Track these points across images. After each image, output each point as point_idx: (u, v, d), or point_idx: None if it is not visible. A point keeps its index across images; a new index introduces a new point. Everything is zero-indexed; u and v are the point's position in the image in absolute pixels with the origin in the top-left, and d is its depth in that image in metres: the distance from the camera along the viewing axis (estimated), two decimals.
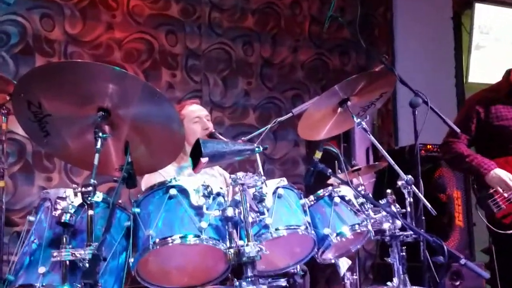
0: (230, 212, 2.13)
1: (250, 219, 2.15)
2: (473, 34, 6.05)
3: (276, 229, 2.27)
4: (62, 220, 2.01)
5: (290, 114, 3.23)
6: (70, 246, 2.00)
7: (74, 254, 1.94)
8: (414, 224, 2.64)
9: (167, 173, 3.02)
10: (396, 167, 2.61)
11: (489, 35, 6.13)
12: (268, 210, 2.26)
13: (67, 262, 2.01)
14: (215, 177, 3.28)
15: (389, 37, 5.88)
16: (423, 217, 2.77)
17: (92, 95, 2.07)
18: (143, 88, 2.08)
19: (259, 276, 2.29)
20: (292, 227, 2.32)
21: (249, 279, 2.05)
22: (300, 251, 2.50)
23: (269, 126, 3.19)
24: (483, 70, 6.00)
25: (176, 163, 3.15)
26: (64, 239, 2.02)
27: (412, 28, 5.93)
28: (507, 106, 3.43)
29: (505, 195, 3.26)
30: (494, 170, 3.27)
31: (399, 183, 2.66)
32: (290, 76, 5.42)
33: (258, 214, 2.23)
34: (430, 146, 4.51)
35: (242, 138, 3.20)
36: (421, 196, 2.66)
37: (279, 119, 3.23)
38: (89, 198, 1.95)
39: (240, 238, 2.16)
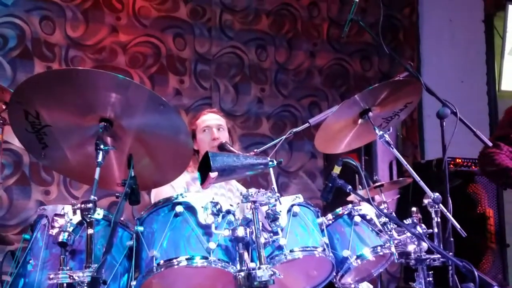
0: (241, 232, 2.11)
1: (263, 240, 2.13)
2: (506, 38, 5.99)
3: (291, 251, 2.24)
4: (60, 240, 2.01)
5: (306, 125, 3.22)
6: (68, 268, 1.99)
7: (72, 276, 1.92)
8: (442, 247, 2.60)
9: (179, 186, 3.03)
10: (422, 184, 2.58)
11: None
12: (282, 230, 2.24)
13: (65, 285, 1.99)
14: (232, 192, 3.28)
15: (414, 41, 5.86)
16: (452, 239, 2.72)
17: (94, 104, 2.08)
18: (148, 97, 2.08)
19: None
20: (309, 248, 2.30)
21: None
22: (317, 275, 2.48)
23: (284, 137, 3.18)
24: None
25: (189, 174, 3.15)
26: (62, 260, 2.01)
27: (440, 32, 5.90)
28: None
29: None
30: None
31: (426, 201, 2.63)
32: (307, 82, 5.42)
33: (271, 234, 2.22)
34: (460, 160, 4.46)
35: (255, 150, 3.18)
36: (450, 215, 2.62)
37: (294, 130, 3.22)
38: (89, 216, 1.95)
39: (252, 261, 2.15)
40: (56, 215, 2.17)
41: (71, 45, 4.57)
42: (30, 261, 2.18)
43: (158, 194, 3.01)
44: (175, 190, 3.00)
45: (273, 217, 2.23)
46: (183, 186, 3.13)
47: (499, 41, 6.07)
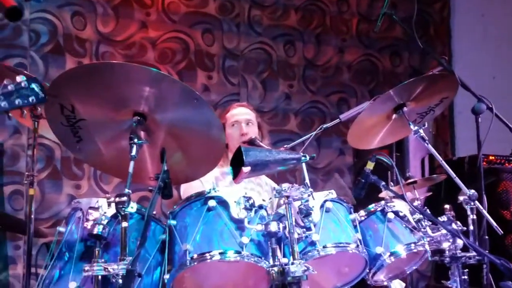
0: (273, 227, 2.10)
1: (296, 235, 2.11)
2: None
3: (324, 247, 2.23)
4: (95, 232, 2.03)
5: (337, 120, 3.19)
6: (103, 260, 2.01)
7: (107, 269, 1.94)
8: (477, 244, 2.55)
9: (207, 181, 3.03)
10: (458, 181, 2.54)
11: None
12: (315, 226, 2.23)
13: (99, 277, 2.01)
14: (261, 186, 3.27)
15: (445, 36, 5.76)
16: (487, 237, 2.67)
17: (128, 98, 2.09)
18: (181, 92, 2.09)
19: None
20: (342, 244, 2.28)
21: None
22: (349, 272, 2.45)
23: (314, 133, 3.15)
24: None
25: (218, 168, 3.14)
26: (96, 252, 2.03)
27: (472, 27, 5.78)
28: None
29: None
30: None
31: (461, 198, 2.59)
32: (336, 78, 5.37)
33: (304, 229, 2.20)
34: (493, 157, 4.36)
35: (285, 146, 3.17)
36: (486, 213, 2.57)
37: (325, 126, 3.19)
38: (124, 209, 1.95)
39: (284, 256, 2.14)
40: (90, 208, 2.19)
41: (102, 41, 4.61)
42: (65, 253, 2.21)
43: (187, 189, 3.01)
44: (204, 185, 3.00)
45: (306, 213, 2.22)
46: (212, 181, 3.13)
47: None
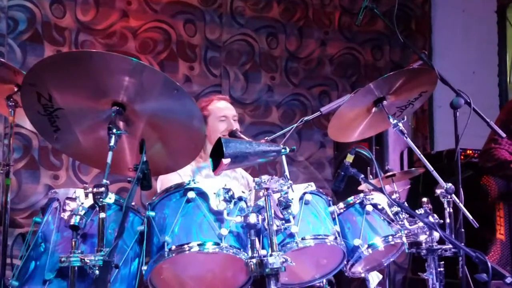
0: (253, 218, 2.11)
1: (275, 227, 2.12)
2: None
3: (303, 239, 2.24)
4: (72, 223, 2.01)
5: (318, 113, 3.19)
6: (79, 251, 1.99)
7: (84, 260, 1.92)
8: (453, 237, 2.58)
9: (185, 175, 3.01)
10: (435, 174, 2.56)
11: None
12: (294, 218, 2.24)
13: (76, 268, 1.99)
14: (236, 179, 3.27)
15: (426, 31, 5.80)
16: (463, 230, 2.70)
17: (107, 88, 2.06)
18: (162, 82, 2.07)
19: None
20: (320, 236, 2.29)
21: None
22: (327, 263, 2.47)
23: (295, 125, 3.16)
24: None
25: (194, 163, 3.14)
26: (73, 243, 2.01)
27: (452, 22, 5.83)
28: None
29: None
30: None
31: (438, 191, 2.61)
32: (318, 71, 5.37)
33: (283, 221, 2.21)
34: (471, 152, 4.42)
35: (265, 138, 3.17)
36: (462, 206, 2.60)
37: (306, 118, 3.19)
38: (101, 200, 1.94)
39: (263, 248, 2.14)
40: (67, 198, 2.17)
41: (81, 29, 4.54)
42: (41, 244, 2.18)
43: (164, 181, 3.00)
44: (182, 178, 2.99)
45: (285, 205, 2.22)
46: (189, 174, 3.12)
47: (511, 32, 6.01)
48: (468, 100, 2.81)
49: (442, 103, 5.38)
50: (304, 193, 2.36)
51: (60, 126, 2.13)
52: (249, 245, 2.13)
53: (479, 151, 4.09)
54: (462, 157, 4.43)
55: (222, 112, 3.25)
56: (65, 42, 4.48)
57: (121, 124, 2.15)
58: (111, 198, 2.06)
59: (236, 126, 3.23)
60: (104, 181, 1.96)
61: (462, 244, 2.54)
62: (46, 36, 4.42)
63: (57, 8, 4.48)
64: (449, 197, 2.58)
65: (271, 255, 2.03)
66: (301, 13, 5.35)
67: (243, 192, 2.29)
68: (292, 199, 2.25)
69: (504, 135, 3.01)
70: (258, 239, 2.16)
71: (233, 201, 2.20)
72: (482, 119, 2.88)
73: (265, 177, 2.14)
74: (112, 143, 2.03)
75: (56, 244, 2.16)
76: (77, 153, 2.38)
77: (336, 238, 2.32)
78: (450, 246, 2.56)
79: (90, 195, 1.98)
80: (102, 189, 1.94)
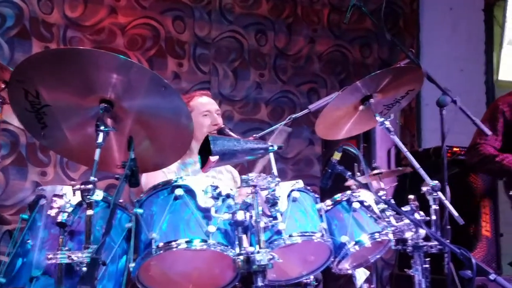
0: (240, 215, 2.11)
1: (262, 224, 2.13)
2: (505, 28, 5.97)
3: (290, 236, 2.24)
4: (59, 220, 2.01)
5: (306, 111, 3.21)
6: (67, 248, 1.99)
7: (71, 257, 1.93)
8: (439, 234, 2.61)
9: (170, 171, 3.01)
10: (422, 172, 2.58)
11: None
12: (281, 215, 2.24)
13: (63, 266, 1.99)
14: (221, 173, 3.27)
15: (414, 29, 5.83)
16: (449, 226, 2.73)
17: (94, 85, 2.06)
18: (150, 79, 2.06)
19: (270, 286, 2.30)
20: (307, 233, 2.30)
21: None
22: (315, 260, 2.48)
23: (283, 123, 3.16)
24: None
25: (179, 159, 3.14)
26: (60, 240, 2.01)
27: (440, 20, 5.87)
28: None
29: None
30: None
31: (424, 188, 2.63)
32: (306, 68, 5.39)
33: (271, 218, 2.21)
34: (457, 149, 4.46)
35: (254, 135, 3.18)
36: (448, 203, 2.62)
37: (294, 116, 3.21)
38: (89, 197, 1.94)
39: (251, 245, 2.15)
40: (55, 195, 2.16)
41: (69, 26, 4.52)
42: (29, 241, 2.18)
43: (149, 178, 2.99)
44: (167, 175, 2.99)
45: (272, 202, 2.22)
46: (174, 170, 3.12)
47: (499, 31, 6.05)
48: (454, 98, 2.84)
49: (429, 101, 5.42)
50: (292, 190, 2.36)
51: (47, 123, 2.12)
52: (236, 242, 2.14)
53: (465, 148, 4.13)
54: (448, 154, 4.47)
55: (205, 107, 3.25)
56: (53, 38, 4.46)
57: (109, 121, 2.14)
58: (98, 195, 2.06)
59: (219, 120, 3.23)
60: (92, 178, 1.96)
61: (448, 241, 2.57)
62: (34, 32, 4.40)
63: (45, 4, 4.45)
64: (435, 194, 2.60)
65: (258, 252, 2.04)
66: (290, 10, 5.36)
67: (231, 189, 2.29)
68: (280, 196, 2.25)
69: (489, 132, 3.05)
70: (246, 236, 2.17)
71: (220, 198, 2.20)
72: (468, 117, 2.91)
73: (252, 174, 2.15)
74: (99, 140, 2.03)
75: (43, 241, 2.15)
76: (65, 150, 2.38)
77: (323, 235, 2.34)
78: (436, 243, 2.58)
79: (78, 192, 1.98)
80: (90, 186, 1.94)
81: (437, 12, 5.90)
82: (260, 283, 2.03)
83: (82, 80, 2.04)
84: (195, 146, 2.96)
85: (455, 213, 2.60)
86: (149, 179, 2.96)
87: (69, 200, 2.11)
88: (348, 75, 5.46)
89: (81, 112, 2.13)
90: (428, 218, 2.65)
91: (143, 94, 2.10)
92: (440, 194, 2.60)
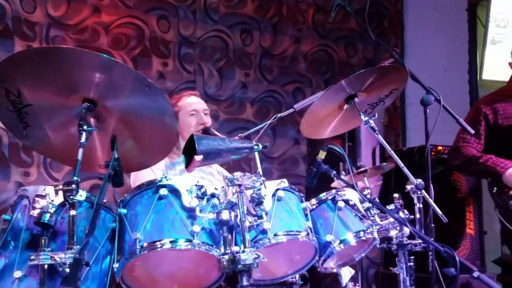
0: (225, 215, 2.11)
1: (247, 223, 2.13)
2: (488, 28, 6.04)
3: (275, 235, 2.24)
4: (41, 220, 1.97)
5: (291, 110, 3.20)
6: (49, 249, 1.96)
7: (54, 257, 1.90)
8: (423, 232, 2.63)
9: (158, 169, 3.00)
10: (406, 170, 2.60)
11: (506, 29, 6.12)
12: (266, 214, 2.24)
13: (46, 267, 1.96)
14: (212, 175, 3.27)
15: (399, 28, 5.86)
16: (433, 225, 2.75)
17: (77, 84, 2.04)
18: (134, 78, 2.06)
19: (255, 285, 2.30)
20: (292, 232, 2.30)
21: None
22: (300, 259, 2.48)
23: (268, 122, 3.16)
24: (498, 67, 5.95)
25: (168, 158, 3.14)
26: (43, 241, 1.98)
27: (424, 20, 5.92)
28: None
29: None
30: (511, 168, 3.29)
31: (408, 187, 2.65)
32: (292, 68, 5.39)
33: (256, 218, 2.21)
34: (441, 148, 4.49)
35: (239, 135, 3.18)
36: (432, 202, 2.64)
37: (279, 115, 3.20)
38: (72, 197, 1.92)
39: (236, 244, 2.15)
40: (37, 196, 2.14)
41: (52, 25, 4.47)
42: (11, 242, 2.15)
43: (138, 177, 2.99)
44: (155, 174, 2.98)
45: (257, 201, 2.22)
46: (163, 169, 3.12)
47: (482, 31, 6.11)
48: (438, 97, 2.85)
49: (413, 100, 5.45)
50: (277, 190, 2.36)
51: (29, 122, 2.10)
52: (221, 242, 2.14)
53: (449, 147, 4.16)
54: (432, 153, 4.50)
55: (192, 107, 3.26)
56: (36, 37, 4.41)
57: (92, 120, 2.13)
58: (82, 195, 2.04)
59: (207, 120, 3.23)
60: (75, 178, 1.94)
61: (432, 239, 2.59)
62: (16, 31, 4.34)
63: (27, 2, 4.40)
64: (419, 192, 2.62)
65: (243, 252, 2.04)
66: (275, 10, 5.36)
67: (215, 188, 2.28)
68: (265, 195, 2.25)
69: (472, 131, 3.07)
70: (231, 235, 2.17)
71: (205, 197, 2.19)
72: (451, 116, 2.93)
73: (237, 174, 2.15)
74: (82, 139, 2.01)
75: (25, 242, 2.12)
76: (48, 150, 2.36)
77: (308, 234, 2.34)
78: (420, 241, 2.60)
79: (60, 193, 1.96)
80: (73, 186, 1.92)
81: (421, 12, 5.94)
82: (245, 283, 2.04)
83: (65, 79, 2.02)
84: (184, 145, 2.95)
85: (439, 211, 2.62)
86: (138, 177, 2.96)
87: (52, 201, 2.09)
88: (333, 75, 5.47)
89: (63, 112, 2.12)
90: (412, 216, 2.67)
91: (127, 94, 2.09)
92: (424, 192, 2.62)
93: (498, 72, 5.82)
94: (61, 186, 1.95)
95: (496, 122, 3.44)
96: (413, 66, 2.83)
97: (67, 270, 1.89)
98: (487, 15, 6.04)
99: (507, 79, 3.77)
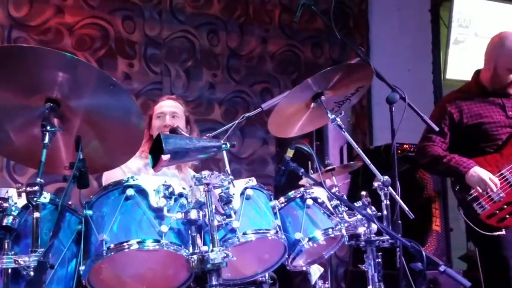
0: (193, 214, 2.10)
1: (216, 223, 2.12)
2: (451, 28, 6.17)
3: (244, 234, 2.24)
4: (4, 224, 1.93)
5: (259, 109, 3.21)
6: (13, 253, 1.92)
7: (17, 261, 1.86)
8: (390, 228, 2.66)
9: (129, 168, 2.98)
10: (373, 167, 2.63)
11: (468, 29, 6.26)
12: (235, 213, 2.24)
13: (9, 270, 1.92)
14: (184, 181, 3.26)
15: (364, 29, 5.94)
16: (400, 221, 2.79)
17: (39, 84, 2.00)
18: (97, 77, 2.02)
19: (225, 285, 2.29)
20: (261, 231, 2.30)
21: None
22: (269, 258, 2.49)
23: (236, 122, 3.16)
24: (461, 66, 6.10)
25: (141, 160, 3.13)
26: (6, 244, 1.93)
27: (388, 20, 6.01)
28: (480, 104, 3.51)
29: (490, 194, 3.29)
30: (473, 168, 3.33)
31: (375, 184, 2.68)
32: (259, 68, 5.41)
33: (225, 217, 2.21)
34: (407, 146, 4.56)
35: (207, 135, 3.16)
36: (398, 198, 2.68)
37: (247, 115, 3.20)
38: (35, 199, 1.88)
39: (204, 244, 2.14)
40: None
41: (14, 26, 4.39)
42: None
43: (109, 177, 2.95)
44: (126, 174, 2.95)
45: (226, 200, 2.22)
46: (134, 171, 3.09)
47: (445, 31, 6.24)
48: (403, 96, 2.89)
49: (379, 100, 5.51)
50: (245, 188, 2.37)
51: None
52: (190, 242, 2.12)
53: (415, 145, 4.23)
54: (399, 151, 4.56)
55: (160, 109, 3.30)
56: None
57: (55, 121, 2.08)
58: (45, 197, 2.01)
59: (171, 122, 3.22)
60: (38, 180, 1.90)
61: (399, 235, 2.62)
62: None
63: None
64: (385, 189, 2.65)
65: (212, 251, 2.03)
66: (242, 10, 5.37)
67: (183, 188, 2.27)
68: (233, 194, 2.25)
69: (437, 128, 3.12)
70: (199, 235, 2.15)
71: (173, 197, 2.18)
72: (416, 113, 2.98)
73: (205, 173, 2.14)
74: (46, 140, 1.97)
75: None
76: (9, 152, 2.30)
77: (277, 232, 2.34)
78: (388, 237, 2.63)
79: (23, 195, 1.91)
80: (36, 188, 1.87)
81: (385, 12, 6.03)
82: (214, 282, 2.02)
83: (27, 79, 1.97)
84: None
85: (406, 208, 2.66)
86: (109, 177, 2.92)
87: (15, 203, 2.04)
88: (301, 75, 5.50)
89: (26, 112, 2.07)
90: (379, 213, 2.70)
91: (91, 93, 2.06)
92: (391, 189, 2.66)
93: (461, 72, 5.96)
94: (24, 188, 1.91)
95: (461, 121, 3.49)
96: (378, 65, 2.86)
97: (32, 273, 1.85)
98: (449, 16, 6.16)
99: (470, 78, 3.85)
